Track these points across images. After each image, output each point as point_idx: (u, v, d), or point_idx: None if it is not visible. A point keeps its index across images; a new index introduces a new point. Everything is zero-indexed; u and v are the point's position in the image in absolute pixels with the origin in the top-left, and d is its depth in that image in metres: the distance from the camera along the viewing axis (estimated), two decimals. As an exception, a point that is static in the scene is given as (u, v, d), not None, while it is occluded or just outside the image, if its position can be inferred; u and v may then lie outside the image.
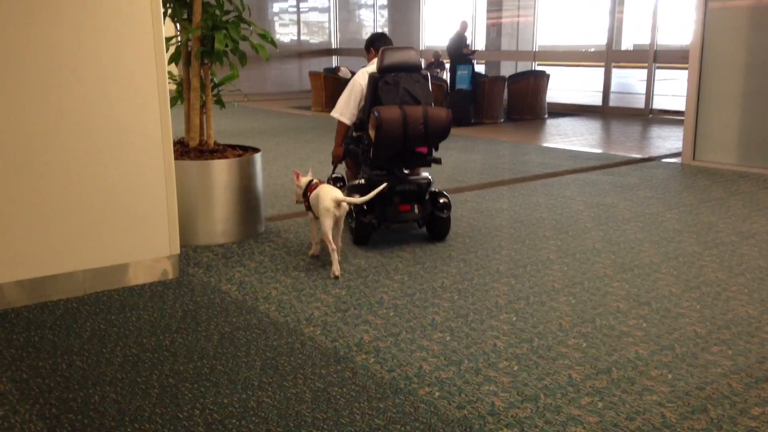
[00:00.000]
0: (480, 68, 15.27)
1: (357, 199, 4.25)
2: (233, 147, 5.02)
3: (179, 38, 4.86)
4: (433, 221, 4.76)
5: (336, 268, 4.03)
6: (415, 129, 4.48)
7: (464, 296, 3.75)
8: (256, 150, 4.99)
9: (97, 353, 3.02)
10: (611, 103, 13.40)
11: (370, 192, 4.30)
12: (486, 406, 2.61)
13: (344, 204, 4.09)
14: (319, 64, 18.33)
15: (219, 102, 5.08)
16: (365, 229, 4.62)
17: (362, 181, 4.73)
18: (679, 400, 2.67)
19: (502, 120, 12.14)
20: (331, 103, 5.06)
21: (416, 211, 4.69)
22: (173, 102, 4.96)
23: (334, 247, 4.04)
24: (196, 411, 2.56)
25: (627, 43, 21.92)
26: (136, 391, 2.70)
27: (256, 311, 3.52)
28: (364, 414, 2.55)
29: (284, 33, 19.71)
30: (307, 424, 2.47)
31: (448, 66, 13.19)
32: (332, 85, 13.32)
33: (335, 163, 5.17)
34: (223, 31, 4.61)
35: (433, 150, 4.86)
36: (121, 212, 3.79)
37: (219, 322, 3.38)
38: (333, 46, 20.06)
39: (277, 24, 19.54)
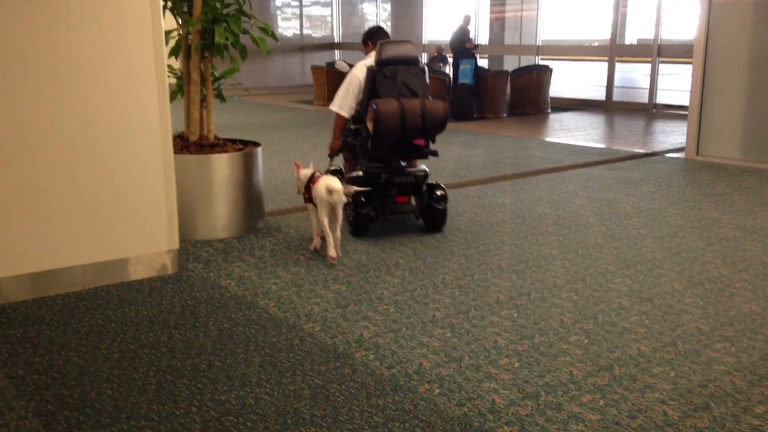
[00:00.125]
0: (483, 62, 15.22)
1: (351, 188, 4.30)
2: (234, 141, 4.99)
3: (179, 31, 4.82)
4: (430, 213, 4.80)
5: (331, 253, 4.12)
6: (413, 122, 4.53)
7: (465, 292, 3.72)
8: (257, 144, 4.95)
9: (95, 349, 3.00)
10: (615, 98, 13.34)
11: (367, 184, 4.48)
12: (486, 404, 2.58)
13: (337, 192, 4.08)
14: (321, 58, 18.28)
15: (219, 96, 5.04)
16: (363, 220, 4.66)
17: (360, 173, 4.77)
18: (681, 397, 2.64)
19: (504, 114, 12.09)
20: (333, 97, 5.09)
21: (413, 202, 4.74)
22: (173, 96, 4.93)
23: (328, 232, 4.12)
24: (193, 408, 2.53)
25: (630, 38, 21.84)
26: (132, 387, 2.68)
27: (256, 307, 3.49)
28: (363, 411, 2.52)
29: (287, 27, 19.66)
30: (305, 422, 2.45)
31: (450, 60, 13.13)
32: (334, 79, 13.27)
33: (332, 155, 5.20)
34: (223, 25, 4.57)
35: (430, 142, 4.90)
36: (120, 207, 3.77)
37: (218, 317, 3.35)
38: (335, 40, 20.00)
39: (279, 18, 19.49)
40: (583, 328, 3.27)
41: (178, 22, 4.82)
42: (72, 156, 3.59)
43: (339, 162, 5.53)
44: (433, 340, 3.12)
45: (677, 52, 13.13)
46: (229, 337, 3.12)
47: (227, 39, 4.56)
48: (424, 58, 17.31)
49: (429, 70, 12.48)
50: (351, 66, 5.24)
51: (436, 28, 18.77)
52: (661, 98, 12.98)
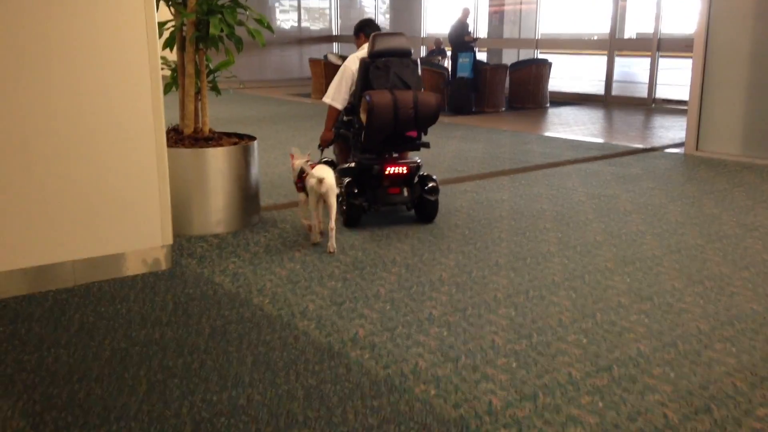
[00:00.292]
0: (482, 56, 15.14)
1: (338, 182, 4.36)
2: (229, 135, 4.93)
3: (174, 23, 4.75)
4: (422, 204, 4.85)
5: (314, 238, 4.36)
6: (406, 113, 4.59)
7: (462, 290, 3.67)
8: (253, 138, 4.89)
9: (85, 347, 2.94)
10: (614, 92, 13.28)
11: (360, 175, 4.64)
12: (483, 405, 2.53)
13: (326, 182, 4.15)
14: (319, 51, 18.17)
15: (215, 89, 4.98)
16: (355, 211, 4.70)
17: (352, 164, 4.81)
18: (681, 399, 2.59)
19: (503, 109, 12.03)
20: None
21: (405, 193, 4.79)
22: (168, 88, 4.86)
23: (319, 221, 4.35)
24: (183, 409, 2.48)
25: (630, 32, 21.76)
26: (122, 387, 2.63)
27: (250, 304, 3.44)
28: (357, 413, 2.47)
29: (285, 19, 19.54)
30: (299, 424, 2.40)
31: (449, 53, 13.05)
32: (332, 72, 13.13)
33: (323, 147, 5.21)
34: (218, 16, 4.50)
35: (422, 134, 4.94)
36: (113, 201, 3.71)
37: (211, 315, 3.30)
38: (334, 33, 19.90)
39: (277, 10, 19.37)
40: (582, 327, 3.22)
41: (172, 13, 4.74)
42: (63, 150, 3.53)
43: (330, 154, 5.52)
44: (429, 339, 3.07)
45: (677, 47, 13.06)
46: (222, 335, 3.07)
47: (222, 30, 4.49)
48: (422, 52, 17.23)
49: (427, 63, 12.44)
50: (343, 59, 5.24)
51: (435, 21, 18.69)
52: (661, 93, 12.92)
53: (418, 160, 4.86)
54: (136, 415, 2.43)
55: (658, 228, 4.82)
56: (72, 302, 3.42)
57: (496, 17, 16.74)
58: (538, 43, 14.84)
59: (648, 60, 12.66)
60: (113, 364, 2.80)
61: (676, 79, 16.33)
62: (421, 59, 13.50)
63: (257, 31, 4.69)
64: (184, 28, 4.67)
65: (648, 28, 13.31)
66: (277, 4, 19.39)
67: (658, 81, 12.71)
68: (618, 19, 13.49)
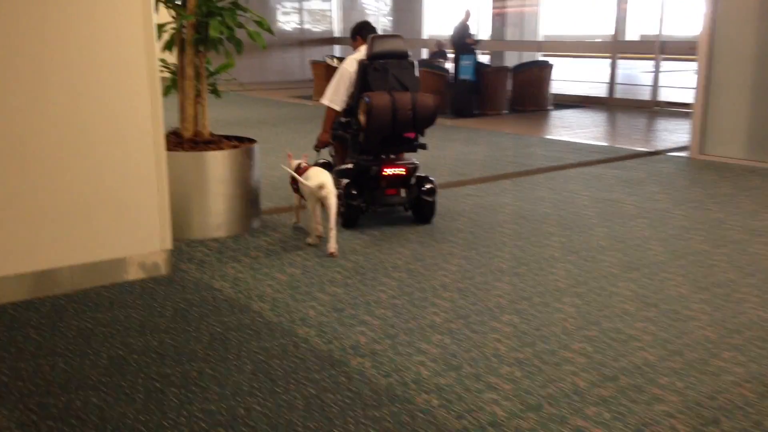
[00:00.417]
0: (484, 58, 15.09)
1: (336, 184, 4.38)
2: (229, 138, 4.88)
3: (173, 25, 4.71)
4: (419, 205, 4.89)
5: (313, 238, 4.38)
6: (404, 115, 4.64)
7: (465, 296, 3.62)
8: (253, 141, 4.85)
9: (82, 354, 2.90)
10: (617, 95, 13.22)
11: (357, 176, 4.71)
12: (487, 416, 2.48)
13: (326, 188, 4.20)
14: (321, 53, 18.13)
15: (214, 91, 4.93)
16: (354, 212, 4.75)
17: (350, 165, 4.85)
18: (689, 410, 2.54)
19: (505, 111, 11.97)
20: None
21: (403, 194, 4.83)
22: (167, 91, 4.81)
23: (318, 223, 4.35)
24: (182, 419, 2.43)
25: (633, 34, 21.71)
26: (120, 396, 2.58)
27: (250, 310, 3.39)
28: (358, 423, 2.42)
29: (286, 21, 19.50)
30: (299, 434, 2.35)
31: (451, 56, 13.00)
32: (333, 74, 13.14)
33: (320, 148, 5.23)
34: (218, 18, 4.46)
35: (419, 136, 4.97)
36: (111, 206, 3.66)
37: (210, 321, 3.25)
38: (335, 35, 19.86)
39: (279, 12, 19.34)
40: (587, 335, 3.17)
41: (171, 15, 4.70)
42: (60, 153, 3.48)
43: (326, 155, 5.53)
44: (431, 347, 3.02)
45: (681, 49, 13.01)
46: (221, 343, 3.02)
47: (222, 33, 4.45)
48: (424, 54, 17.19)
49: (429, 65, 12.39)
50: (340, 60, 5.31)
51: (437, 23, 18.65)
52: (664, 95, 12.86)
53: (416, 162, 4.88)
54: (133, 426, 2.39)
55: (663, 233, 4.77)
56: (70, 308, 3.38)
57: (499, 19, 16.70)
58: (540, 46, 14.80)
59: (651, 63, 12.60)
60: (111, 372, 2.76)
61: (679, 81, 16.28)
62: (423, 61, 13.45)
63: (257, 34, 4.65)
64: (184, 30, 4.63)
65: (651, 31, 13.26)
66: (278, 6, 19.36)
67: (662, 83, 12.65)
68: (621, 21, 13.44)
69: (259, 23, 4.69)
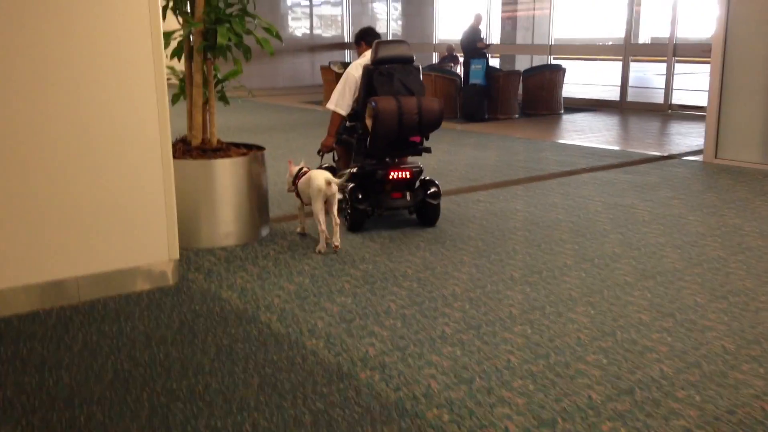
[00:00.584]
0: (495, 62, 15.02)
1: (341, 180, 4.46)
2: (237, 145, 4.84)
3: (181, 32, 4.68)
4: (424, 208, 4.94)
5: (322, 245, 4.36)
6: (410, 119, 4.69)
7: (476, 305, 3.55)
8: (261, 148, 4.81)
9: (87, 368, 2.85)
10: (629, 98, 13.11)
11: (362, 180, 4.76)
12: (499, 432, 2.41)
13: (334, 185, 4.32)
14: (331, 58, 18.13)
15: (223, 98, 4.89)
16: (360, 215, 4.80)
17: (354, 169, 4.88)
18: (708, 425, 2.46)
19: (516, 115, 11.90)
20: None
21: (408, 198, 4.88)
22: (176, 99, 4.79)
23: (323, 228, 4.33)
24: (186, 435, 2.38)
25: (645, 37, 21.57)
26: (124, 411, 2.53)
27: (257, 321, 3.34)
28: (367, 440, 2.36)
29: (297, 26, 19.53)
30: (306, 452, 2.29)
31: (462, 60, 12.95)
32: (338, 79, 13.11)
33: (324, 152, 5.27)
34: (226, 25, 4.42)
35: (424, 140, 5.06)
36: (118, 216, 3.63)
37: (217, 333, 3.20)
38: (345, 40, 19.85)
39: (289, 17, 19.36)
40: (602, 346, 3.09)
41: (179, 23, 4.67)
42: (66, 163, 3.45)
43: (327, 161, 5.58)
44: (442, 359, 2.95)
45: (694, 51, 12.89)
46: (227, 355, 2.97)
47: (230, 40, 4.41)
48: (434, 58, 17.14)
49: (439, 70, 12.34)
50: (345, 66, 5.35)
51: (447, 27, 18.59)
52: (677, 98, 12.73)
53: (420, 165, 4.96)
54: (137, 443, 2.34)
55: (678, 239, 4.69)
56: (76, 320, 3.34)
57: (509, 23, 16.63)
58: (551, 49, 14.70)
59: (664, 65, 12.48)
60: (115, 386, 2.71)
61: (693, 84, 16.13)
62: (434, 66, 13.40)
63: (265, 40, 4.61)
64: (192, 37, 4.60)
65: (663, 33, 13.15)
66: (289, 12, 19.38)
67: (675, 86, 12.53)
68: (633, 23, 13.33)
69: (268, 30, 4.65)
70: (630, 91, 13.23)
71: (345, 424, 2.45)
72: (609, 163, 7.49)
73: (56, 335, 3.17)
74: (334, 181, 4.36)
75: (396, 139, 4.81)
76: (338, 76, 13.02)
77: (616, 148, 8.69)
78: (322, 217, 4.32)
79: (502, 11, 16.67)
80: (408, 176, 4.82)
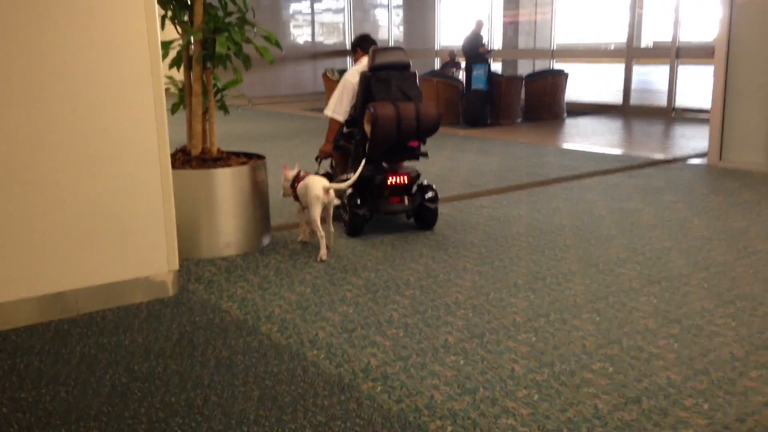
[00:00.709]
0: (497, 67, 14.99)
1: (343, 184, 4.54)
2: (237, 154, 4.81)
3: (181, 41, 4.65)
4: (422, 212, 4.99)
5: (323, 253, 4.34)
6: (408, 124, 4.74)
7: (479, 313, 3.50)
8: (261, 157, 4.77)
9: (84, 382, 2.81)
10: (632, 102, 13.06)
11: (362, 185, 4.74)
12: (503, 444, 2.36)
13: (331, 192, 4.38)
14: (333, 65, 18.13)
15: (222, 107, 4.87)
16: (359, 220, 4.82)
17: (351, 175, 4.86)
18: (717, 435, 2.41)
19: (519, 120, 11.86)
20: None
21: (406, 202, 4.93)
22: (175, 108, 4.77)
23: (322, 234, 4.34)
24: (184, 451, 2.34)
25: (647, 40, 21.52)
26: (122, 426, 2.49)
27: (257, 332, 3.30)
28: (368, 453, 2.31)
29: (299, 34, 19.54)
30: (306, 466, 2.25)
31: (464, 65, 12.92)
32: (334, 86, 13.08)
33: (321, 159, 5.31)
34: (225, 34, 4.39)
35: (422, 144, 5.10)
36: (117, 227, 3.59)
37: (217, 345, 3.16)
38: (348, 47, 19.85)
39: (291, 25, 19.38)
40: (607, 353, 3.04)
41: (178, 32, 4.65)
42: (64, 174, 3.42)
43: (325, 166, 5.63)
44: (445, 369, 2.91)
45: (697, 54, 12.83)
46: (227, 368, 2.93)
47: (229, 49, 4.38)
48: (436, 64, 17.13)
49: (441, 76, 12.30)
50: (340, 73, 5.40)
51: (449, 33, 18.58)
52: (681, 101, 12.68)
53: (418, 170, 5.02)
54: (134, 459, 2.30)
55: (684, 244, 4.63)
56: (74, 333, 3.30)
57: (511, 28, 16.60)
58: (553, 54, 14.67)
59: (667, 68, 12.43)
60: (113, 400, 2.67)
61: (696, 87, 16.07)
62: (435, 72, 13.37)
63: (265, 49, 4.58)
64: (191, 46, 4.57)
65: (665, 36, 13.11)
66: (291, 20, 19.40)
67: (678, 89, 12.48)
68: (635, 27, 13.29)
69: (267, 38, 4.62)
70: (633, 94, 13.18)
71: (346, 438, 2.41)
72: (613, 167, 7.44)
73: (54, 349, 3.13)
74: (332, 188, 4.40)
75: (394, 145, 4.86)
76: (329, 82, 12.99)
77: (620, 152, 8.64)
78: (318, 223, 4.33)
79: (504, 16, 16.64)
80: (406, 181, 4.86)
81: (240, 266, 4.26)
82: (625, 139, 10.01)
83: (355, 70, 5.13)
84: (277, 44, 4.65)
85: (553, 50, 14.74)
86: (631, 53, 13.03)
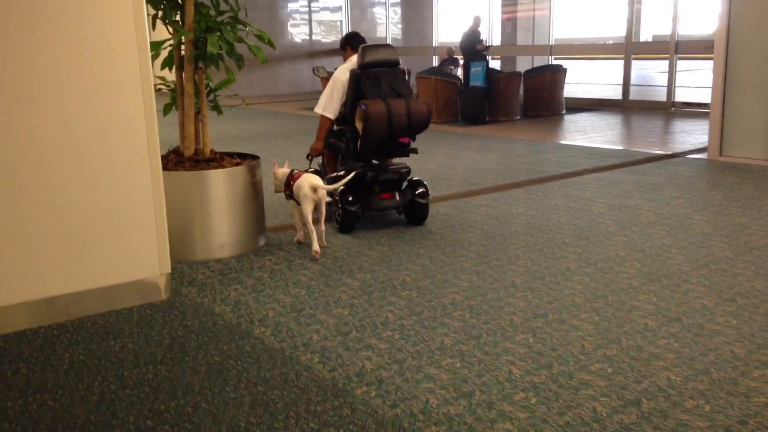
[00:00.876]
0: (495, 64, 14.92)
1: (332, 186, 4.51)
2: (231, 155, 4.75)
3: (172, 41, 4.59)
4: (413, 207, 5.03)
5: (315, 248, 4.33)
6: (399, 121, 4.75)
7: (476, 314, 3.44)
8: (256, 157, 4.71)
9: (72, 390, 2.76)
10: (631, 97, 13.00)
11: (353, 182, 4.72)
12: (499, 449, 2.31)
13: (321, 190, 4.37)
14: (331, 64, 18.05)
15: (216, 108, 4.81)
16: (350, 217, 4.85)
17: (342, 173, 4.95)
18: (719, 438, 2.35)
19: (518, 117, 11.79)
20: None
21: (397, 198, 4.96)
22: (167, 109, 4.71)
23: (312, 229, 4.34)
24: (173, 460, 2.28)
25: (646, 34, 21.44)
26: (109, 435, 2.44)
27: (250, 336, 3.24)
28: (361, 461, 2.26)
29: (296, 33, 19.47)
30: (297, 475, 2.19)
31: (462, 62, 12.85)
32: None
33: (312, 156, 5.31)
34: (216, 33, 4.33)
35: (412, 141, 5.13)
36: (107, 231, 3.53)
37: (209, 350, 3.10)
38: (345, 45, 19.76)
39: (289, 24, 19.31)
40: (606, 354, 2.98)
41: (170, 32, 4.58)
42: (53, 177, 3.36)
43: (315, 164, 5.62)
44: (441, 372, 2.85)
45: (696, 48, 12.77)
46: (218, 374, 2.87)
47: (221, 48, 4.32)
48: (435, 61, 17.06)
49: (439, 73, 12.24)
50: (330, 73, 5.50)
51: (447, 30, 18.52)
52: (680, 96, 12.61)
53: (408, 166, 5.05)
54: (121, 470, 2.24)
55: (684, 240, 4.57)
56: (63, 339, 3.24)
57: (509, 24, 16.53)
58: (552, 49, 14.60)
59: (666, 62, 12.37)
60: (101, 409, 2.61)
61: (696, 81, 16.00)
62: (433, 69, 13.31)
63: (257, 48, 4.52)
64: (183, 46, 4.51)
65: (664, 31, 13.04)
66: (288, 19, 19.33)
67: (677, 83, 12.41)
68: (634, 22, 13.22)
69: (260, 37, 4.56)
70: (632, 89, 13.12)
71: (338, 445, 2.35)
72: (612, 164, 7.38)
73: (43, 355, 3.07)
74: (321, 186, 4.39)
75: (386, 141, 4.87)
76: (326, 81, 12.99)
77: (619, 147, 8.58)
78: (310, 220, 4.35)
79: (502, 12, 16.57)
80: (396, 177, 4.92)
81: (234, 268, 4.21)
82: (624, 135, 9.94)
83: (344, 68, 5.15)
84: (270, 43, 4.59)
85: (551, 46, 14.67)
86: (630, 48, 12.96)
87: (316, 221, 4.44)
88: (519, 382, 2.76)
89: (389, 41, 19.89)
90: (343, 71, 5.12)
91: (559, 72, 12.23)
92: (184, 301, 3.70)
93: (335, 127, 5.27)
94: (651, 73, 19.46)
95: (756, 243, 4.48)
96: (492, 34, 16.40)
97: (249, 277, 4.06)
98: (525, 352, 3.02)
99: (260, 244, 4.65)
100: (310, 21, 19.69)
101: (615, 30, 16.42)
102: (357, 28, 19.78)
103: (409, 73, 5.33)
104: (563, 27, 18.51)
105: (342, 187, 4.69)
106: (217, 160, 4.56)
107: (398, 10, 20.58)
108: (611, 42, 18.60)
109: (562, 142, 9.24)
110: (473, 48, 11.98)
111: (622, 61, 13.05)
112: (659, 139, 9.19)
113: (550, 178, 6.74)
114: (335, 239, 4.75)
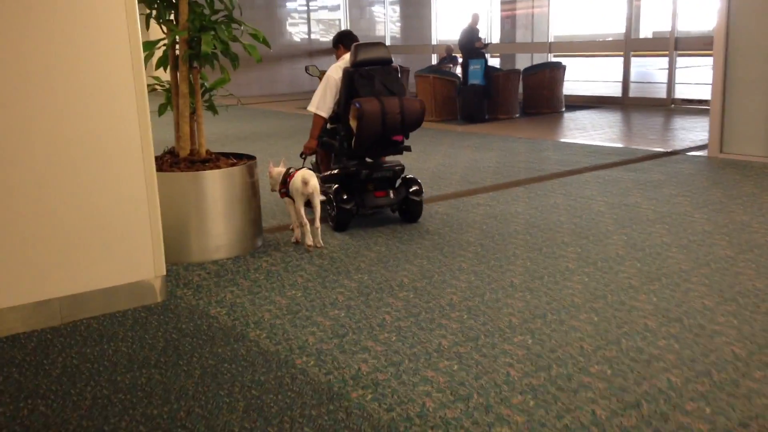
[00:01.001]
0: (494, 62, 14.88)
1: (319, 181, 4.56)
2: (227, 155, 4.71)
3: (166, 41, 4.55)
4: (407, 205, 5.05)
5: (308, 240, 4.47)
6: (393, 119, 4.76)
7: (474, 315, 3.41)
8: (252, 158, 4.67)
9: (65, 395, 2.72)
10: (631, 94, 12.95)
11: (344, 180, 4.85)
12: (497, 454, 2.27)
13: (312, 183, 4.41)
14: (329, 63, 18.02)
15: (211, 108, 4.77)
16: (345, 215, 4.86)
17: (335, 171, 4.99)
18: (720, 441, 2.31)
19: (517, 115, 11.75)
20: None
21: (391, 196, 4.98)
22: (162, 109, 4.68)
23: (305, 222, 4.44)
24: (165, 467, 2.25)
25: (646, 31, 21.39)
26: (101, 441, 2.40)
27: (245, 339, 3.20)
28: (356, 466, 2.22)
29: (295, 32, 19.42)
30: (291, 482, 2.15)
31: (460, 60, 12.82)
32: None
33: (306, 155, 5.28)
34: (211, 32, 4.29)
35: (405, 139, 5.12)
36: (101, 233, 3.49)
37: (203, 353, 3.06)
38: (344, 44, 19.72)
39: (287, 23, 19.26)
40: (606, 355, 2.94)
41: (164, 32, 4.54)
42: (45, 178, 3.32)
43: (308, 163, 5.61)
44: (438, 375, 2.81)
45: (695, 45, 12.72)
46: (212, 377, 2.83)
47: (215, 47, 4.28)
48: (433, 59, 17.02)
49: (438, 71, 12.20)
50: (322, 71, 5.53)
51: (446, 28, 18.47)
52: (680, 93, 12.57)
53: (402, 163, 5.07)
54: (112, 477, 2.20)
55: (684, 239, 4.53)
56: (57, 343, 3.20)
57: (508, 22, 16.49)
58: (551, 47, 14.56)
59: (665, 59, 12.33)
60: (93, 414, 2.57)
61: (696, 78, 15.95)
62: (432, 67, 13.27)
63: (252, 47, 4.49)
64: (177, 46, 4.47)
65: (664, 27, 12.99)
66: (287, 17, 19.28)
67: (677, 80, 12.36)
68: (633, 18, 13.18)
69: (254, 36, 4.52)
70: (632, 86, 13.08)
71: (333, 450, 2.31)
72: (612, 161, 7.34)
73: (35, 360, 3.03)
74: (311, 180, 4.42)
75: (379, 139, 4.86)
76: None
77: (619, 145, 8.54)
78: (302, 214, 4.45)
79: (501, 10, 16.53)
80: (390, 175, 4.94)
81: (230, 270, 4.17)
82: (624, 132, 9.89)
83: (337, 66, 5.15)
84: (265, 42, 4.55)
85: (550, 43, 14.63)
86: (629, 45, 12.91)
87: (311, 221, 4.44)
88: (517, 385, 2.72)
89: (388, 40, 19.85)
90: (336, 69, 5.12)
91: (558, 69, 12.18)
92: (179, 303, 3.67)
93: (329, 126, 5.28)
94: (651, 70, 19.41)
95: (757, 241, 4.44)
96: (491, 32, 16.36)
97: (245, 278, 4.02)
98: (523, 354, 2.98)
99: (257, 245, 4.61)
100: (308, 20, 19.64)
101: (614, 27, 16.38)
102: (356, 26, 19.75)
103: (407, 71, 5.34)
104: (562, 24, 18.45)
105: (336, 185, 4.71)
106: (213, 160, 4.53)
107: (397, 8, 20.54)
108: (610, 39, 18.56)
109: (562, 139, 9.19)
110: (472, 46, 11.95)
111: (621, 58, 13.00)
112: (659, 137, 9.15)
113: (550, 176, 6.70)
114: (332, 240, 4.72)
